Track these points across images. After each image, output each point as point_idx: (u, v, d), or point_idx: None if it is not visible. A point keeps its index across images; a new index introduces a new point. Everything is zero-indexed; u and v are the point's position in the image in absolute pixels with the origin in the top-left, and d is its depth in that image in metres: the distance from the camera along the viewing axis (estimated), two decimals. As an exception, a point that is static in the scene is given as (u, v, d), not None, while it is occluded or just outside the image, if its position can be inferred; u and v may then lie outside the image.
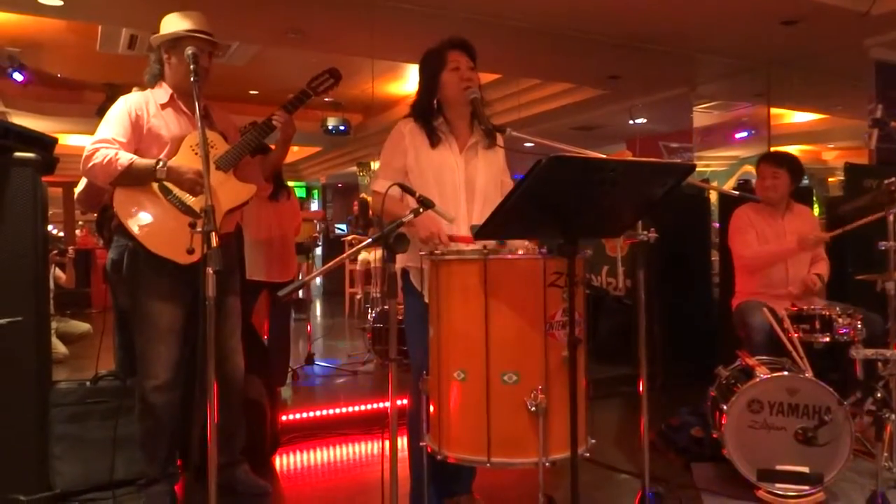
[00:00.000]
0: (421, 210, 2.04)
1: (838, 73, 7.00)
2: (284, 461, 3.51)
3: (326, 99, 4.56)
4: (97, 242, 9.05)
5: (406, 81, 8.43)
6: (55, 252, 6.27)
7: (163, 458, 2.75)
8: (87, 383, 3.05)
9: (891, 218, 2.90)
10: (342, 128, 8.57)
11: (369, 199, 9.40)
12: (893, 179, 2.89)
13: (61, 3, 4.96)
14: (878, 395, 2.66)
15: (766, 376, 2.78)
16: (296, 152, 13.98)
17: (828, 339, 3.00)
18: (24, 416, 2.79)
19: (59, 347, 5.66)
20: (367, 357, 5.47)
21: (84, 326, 6.63)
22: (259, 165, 3.04)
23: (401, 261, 2.41)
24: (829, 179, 11.31)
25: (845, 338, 2.96)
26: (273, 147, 3.17)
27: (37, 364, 2.83)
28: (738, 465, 2.75)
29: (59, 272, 6.62)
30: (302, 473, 3.41)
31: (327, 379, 5.09)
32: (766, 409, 2.74)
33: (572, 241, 1.87)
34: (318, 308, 10.26)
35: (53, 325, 5.19)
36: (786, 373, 2.80)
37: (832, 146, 12.12)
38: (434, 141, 2.41)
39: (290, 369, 4.84)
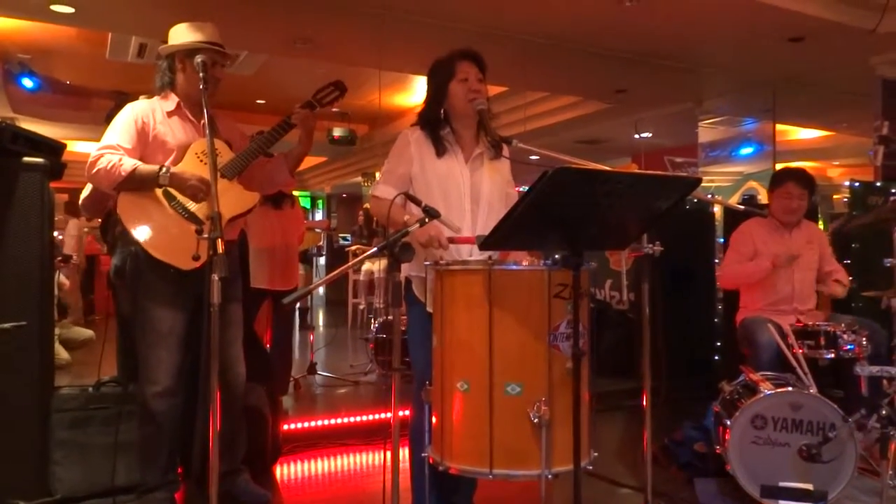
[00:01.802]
0: (426, 220, 2.04)
1: (844, 90, 7.00)
2: (285, 470, 3.50)
3: (333, 109, 4.57)
4: (101, 249, 9.07)
5: (413, 93, 8.46)
6: (59, 258, 6.29)
7: (163, 465, 2.75)
8: (90, 389, 3.05)
9: (896, 235, 2.89)
10: (348, 138, 8.58)
11: (372, 208, 9.39)
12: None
13: (73, 10, 5.00)
14: (884, 412, 2.65)
15: (769, 392, 2.76)
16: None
17: (832, 356, 2.98)
18: (26, 420, 2.79)
19: (61, 353, 5.66)
20: (369, 367, 5.46)
21: (87, 333, 6.64)
22: (283, 163, 3.00)
23: (404, 270, 2.39)
24: (834, 196, 11.29)
25: (850, 354, 2.94)
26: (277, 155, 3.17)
27: (39, 369, 2.83)
28: (741, 481, 2.73)
29: (62, 278, 6.63)
30: (302, 483, 3.40)
31: (329, 389, 5.08)
32: (769, 425, 2.72)
33: (577, 253, 1.87)
34: (320, 318, 10.25)
35: (56, 331, 5.19)
36: (790, 388, 2.79)
37: (837, 163, 12.11)
38: (440, 150, 2.41)
39: (291, 378, 4.84)
